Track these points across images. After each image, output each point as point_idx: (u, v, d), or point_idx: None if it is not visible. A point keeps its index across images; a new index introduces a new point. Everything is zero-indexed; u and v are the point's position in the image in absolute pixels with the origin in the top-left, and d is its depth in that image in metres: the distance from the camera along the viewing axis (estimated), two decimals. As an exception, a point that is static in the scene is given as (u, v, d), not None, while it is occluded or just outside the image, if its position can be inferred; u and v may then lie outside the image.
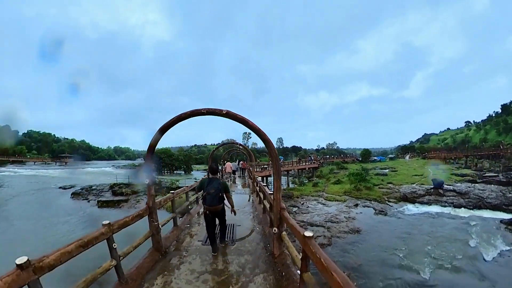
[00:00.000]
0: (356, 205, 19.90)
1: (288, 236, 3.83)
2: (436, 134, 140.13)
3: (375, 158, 55.86)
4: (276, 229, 3.81)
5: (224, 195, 4.44)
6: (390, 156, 61.75)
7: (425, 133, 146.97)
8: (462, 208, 22.38)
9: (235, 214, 4.84)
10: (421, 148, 76.08)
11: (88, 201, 23.47)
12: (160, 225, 4.35)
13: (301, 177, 35.08)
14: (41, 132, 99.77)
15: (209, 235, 4.47)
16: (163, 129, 3.94)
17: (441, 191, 26.47)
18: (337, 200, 21.04)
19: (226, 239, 4.91)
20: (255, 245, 4.66)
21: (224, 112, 3.48)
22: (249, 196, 10.81)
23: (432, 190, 26.78)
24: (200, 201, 7.98)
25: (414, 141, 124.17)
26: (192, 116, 3.77)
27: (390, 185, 28.59)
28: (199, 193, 5.18)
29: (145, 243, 4.26)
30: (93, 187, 27.45)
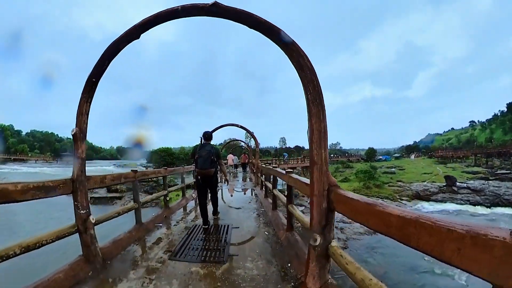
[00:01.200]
0: (369, 203, 18.09)
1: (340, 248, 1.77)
2: (440, 134, 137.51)
3: (381, 157, 53.89)
4: (319, 238, 1.77)
5: (216, 161, 4.26)
6: (395, 155, 59.79)
7: (428, 133, 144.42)
8: (480, 206, 20.78)
9: (227, 182, 5.09)
10: (426, 148, 74.14)
11: (81, 198, 22.03)
12: (93, 218, 2.53)
13: (306, 175, 33.28)
14: (43, 131, 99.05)
15: (200, 206, 4.31)
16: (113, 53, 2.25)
17: (455, 188, 24.77)
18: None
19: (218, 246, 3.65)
20: (263, 266, 2.56)
21: (209, 4, 1.75)
22: (251, 190, 9.03)
23: (445, 187, 25.09)
24: (188, 194, 6.84)
25: (417, 141, 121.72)
26: (159, 23, 2.05)
27: (400, 183, 26.78)
28: (192, 159, 4.46)
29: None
30: (88, 184, 25.99)
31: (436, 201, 22.94)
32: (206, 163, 4.09)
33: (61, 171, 43.04)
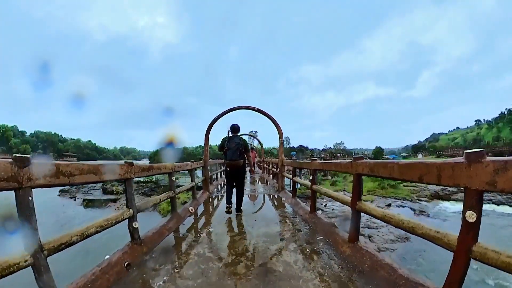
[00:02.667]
0: (389, 205, 16.06)
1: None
2: (445, 133, 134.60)
3: (388, 156, 51.88)
4: None
5: (244, 153, 4.26)
6: (403, 154, 57.76)
7: (433, 133, 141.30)
8: (503, 206, 18.93)
9: (252, 173, 5.46)
10: (433, 147, 72.11)
11: (75, 200, 20.37)
12: None
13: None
14: (47, 132, 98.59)
15: (227, 194, 4.36)
16: None
17: (475, 189, 23.02)
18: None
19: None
20: None
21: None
22: (273, 197, 6.37)
23: (464, 188, 23.38)
24: (182, 205, 5.37)
25: (422, 141, 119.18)
26: None
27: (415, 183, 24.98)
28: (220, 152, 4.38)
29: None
30: (84, 184, 24.57)
31: (457, 200, 20.99)
32: (235, 154, 4.15)
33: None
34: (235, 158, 4.14)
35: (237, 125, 4.42)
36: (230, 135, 4.33)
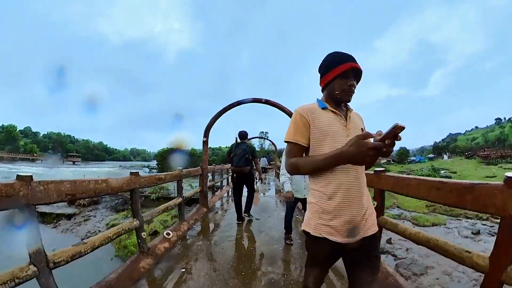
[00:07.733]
0: (478, 232, 9.75)
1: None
2: (462, 133, 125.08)
3: (413, 158, 45.45)
4: None
5: (252, 159, 4.23)
6: (429, 156, 50.97)
7: (450, 133, 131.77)
8: None
9: (262, 181, 4.88)
10: (457, 148, 64.88)
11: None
12: None
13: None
14: (59, 133, 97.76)
15: (235, 203, 4.33)
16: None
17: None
18: (434, 223, 11.12)
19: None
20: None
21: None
22: None
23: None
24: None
25: (438, 141, 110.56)
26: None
27: (471, 191, 18.91)
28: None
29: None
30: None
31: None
32: (241, 161, 4.13)
33: (53, 171, 37.23)
34: (241, 164, 4.13)
35: (244, 131, 4.45)
36: (238, 141, 4.37)
